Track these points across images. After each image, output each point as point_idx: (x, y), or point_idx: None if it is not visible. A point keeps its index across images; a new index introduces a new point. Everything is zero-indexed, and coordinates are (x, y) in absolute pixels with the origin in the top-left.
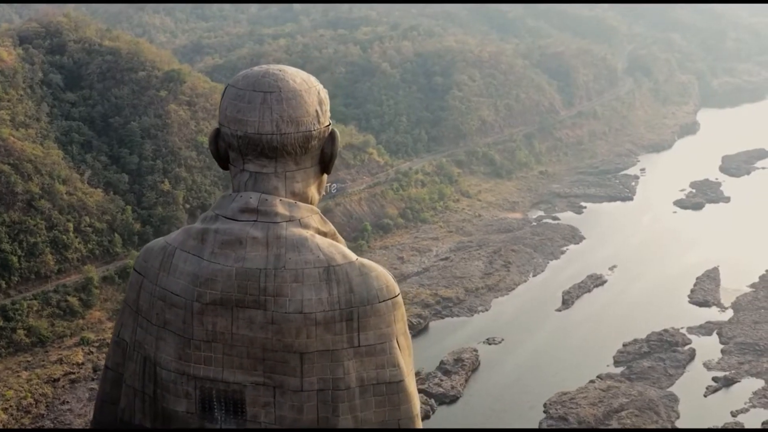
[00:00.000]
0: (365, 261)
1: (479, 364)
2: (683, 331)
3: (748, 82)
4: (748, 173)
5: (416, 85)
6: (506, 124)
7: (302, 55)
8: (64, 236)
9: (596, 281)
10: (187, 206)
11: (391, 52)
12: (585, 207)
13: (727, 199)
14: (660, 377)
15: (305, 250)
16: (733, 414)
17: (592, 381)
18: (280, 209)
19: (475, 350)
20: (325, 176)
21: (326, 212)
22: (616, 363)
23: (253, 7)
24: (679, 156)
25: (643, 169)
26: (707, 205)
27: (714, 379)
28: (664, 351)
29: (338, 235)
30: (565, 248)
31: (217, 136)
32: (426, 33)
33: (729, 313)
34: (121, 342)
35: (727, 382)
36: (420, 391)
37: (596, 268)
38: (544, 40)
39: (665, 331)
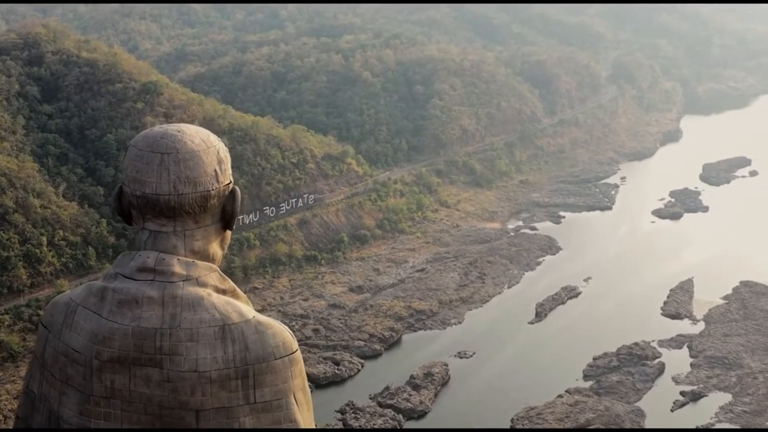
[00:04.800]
0: (262, 319)
1: (449, 378)
2: (654, 344)
3: (734, 89)
4: (728, 182)
5: (397, 95)
6: (487, 133)
7: (284, 64)
8: (37, 250)
9: (570, 293)
10: None
11: (372, 60)
12: (563, 217)
13: (706, 209)
14: (628, 392)
15: (201, 309)
16: (699, 429)
17: (560, 395)
18: (177, 269)
19: (446, 364)
20: (229, 232)
21: (303, 224)
22: (586, 377)
23: (239, 14)
24: (661, 164)
25: (623, 178)
26: (685, 215)
27: (682, 393)
28: (633, 365)
29: (239, 291)
30: (541, 259)
31: (120, 193)
32: (408, 41)
33: (701, 326)
34: (30, 393)
35: (695, 397)
36: (388, 406)
37: (571, 280)
38: (529, 48)
39: (635, 344)
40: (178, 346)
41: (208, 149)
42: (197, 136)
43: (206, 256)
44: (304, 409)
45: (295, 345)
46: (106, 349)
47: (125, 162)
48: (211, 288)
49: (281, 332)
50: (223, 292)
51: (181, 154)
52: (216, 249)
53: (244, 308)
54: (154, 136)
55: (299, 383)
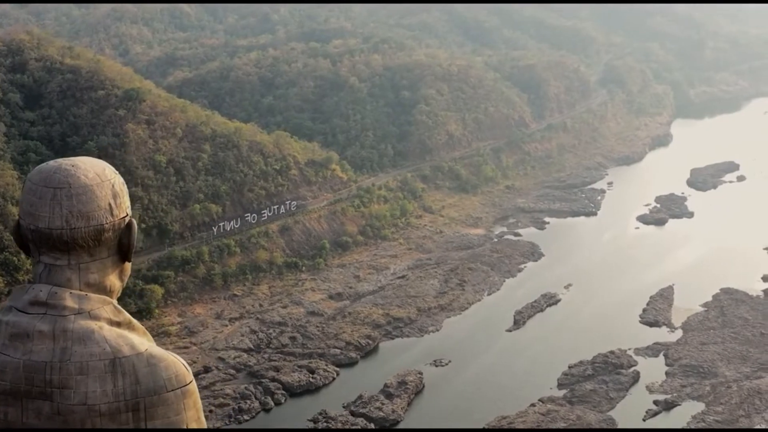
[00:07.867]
0: (155, 351)
1: (423, 387)
2: (630, 352)
3: (725, 92)
4: (715, 187)
5: (384, 100)
6: (474, 138)
7: (271, 69)
8: (14, 258)
9: (550, 300)
10: (143, 226)
11: (360, 66)
12: (548, 223)
13: (691, 215)
14: (601, 400)
15: (91, 343)
16: (662, 430)
17: (533, 404)
18: (69, 302)
19: (420, 373)
20: (128, 264)
21: (284, 230)
22: (560, 386)
23: (231, 18)
24: (649, 169)
25: (610, 183)
26: (670, 221)
27: (655, 402)
28: (608, 373)
29: (135, 322)
30: (522, 266)
31: (18, 227)
32: (397, 46)
33: (678, 334)
34: None
35: (668, 406)
36: (361, 415)
37: (551, 287)
38: (518, 52)
39: (611, 352)
40: (68, 380)
41: (102, 183)
42: (91, 171)
43: (102, 289)
44: None
45: (190, 377)
46: None
47: (21, 196)
48: (104, 321)
49: (174, 364)
50: (118, 324)
51: (73, 189)
52: (113, 281)
53: (137, 341)
54: (48, 171)
55: (193, 415)
